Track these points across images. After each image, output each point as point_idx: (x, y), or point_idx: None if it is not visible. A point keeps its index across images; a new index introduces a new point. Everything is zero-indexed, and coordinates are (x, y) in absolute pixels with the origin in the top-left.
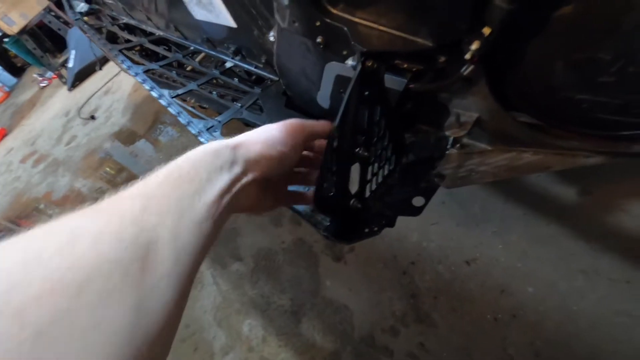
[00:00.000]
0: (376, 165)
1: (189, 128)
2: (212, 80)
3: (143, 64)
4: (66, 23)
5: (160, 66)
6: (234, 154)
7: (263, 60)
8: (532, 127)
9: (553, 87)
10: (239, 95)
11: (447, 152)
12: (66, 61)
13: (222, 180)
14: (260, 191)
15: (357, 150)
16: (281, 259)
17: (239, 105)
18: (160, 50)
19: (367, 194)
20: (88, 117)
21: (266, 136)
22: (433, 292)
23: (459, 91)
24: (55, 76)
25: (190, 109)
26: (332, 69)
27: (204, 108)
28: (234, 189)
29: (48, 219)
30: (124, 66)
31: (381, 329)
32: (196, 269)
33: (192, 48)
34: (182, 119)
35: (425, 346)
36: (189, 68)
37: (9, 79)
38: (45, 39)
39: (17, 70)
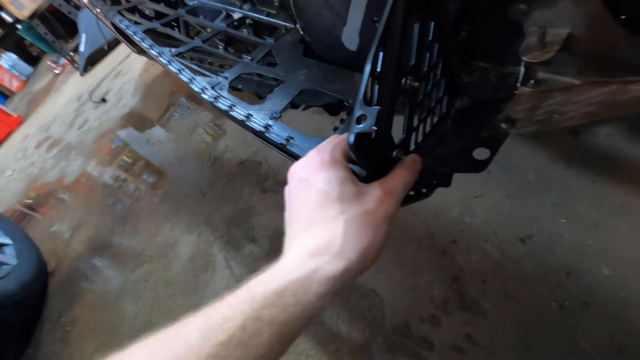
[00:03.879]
0: (424, 111)
1: (192, 86)
2: (218, 36)
3: (142, 24)
4: (76, 6)
5: (162, 24)
6: (314, 270)
7: (276, 4)
8: None
9: None
10: (249, 50)
11: (516, 91)
12: (78, 46)
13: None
14: None
15: (404, 80)
16: None
17: (249, 58)
18: (161, 8)
19: (412, 146)
20: (99, 101)
21: (365, 245)
22: (480, 275)
23: None
24: (68, 62)
25: (192, 65)
26: None
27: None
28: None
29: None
30: (122, 26)
31: (418, 318)
32: None
33: (196, 2)
34: (184, 77)
35: (472, 338)
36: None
37: (25, 68)
38: (57, 24)
39: (33, 59)
